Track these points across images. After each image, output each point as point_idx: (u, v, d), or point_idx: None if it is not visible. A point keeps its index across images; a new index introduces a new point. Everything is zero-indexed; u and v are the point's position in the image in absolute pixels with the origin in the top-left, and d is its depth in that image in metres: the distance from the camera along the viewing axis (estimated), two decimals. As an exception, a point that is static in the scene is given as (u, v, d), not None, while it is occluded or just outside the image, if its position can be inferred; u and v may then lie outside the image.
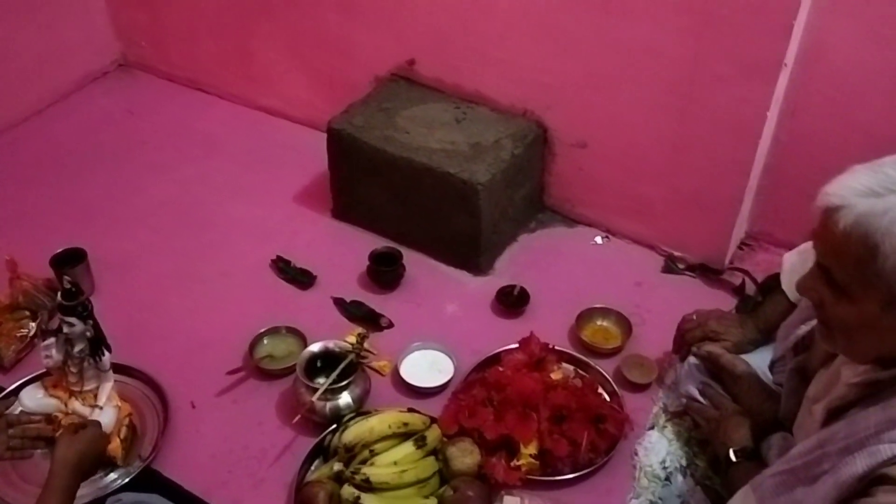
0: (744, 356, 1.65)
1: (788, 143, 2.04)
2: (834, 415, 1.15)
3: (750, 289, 2.07)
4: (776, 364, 1.53)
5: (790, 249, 2.20)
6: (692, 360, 1.71)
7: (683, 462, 1.68)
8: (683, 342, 1.76)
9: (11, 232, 2.26)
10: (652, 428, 1.77)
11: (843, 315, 1.06)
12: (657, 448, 1.72)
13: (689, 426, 1.73)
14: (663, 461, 1.69)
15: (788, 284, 1.62)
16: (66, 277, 1.59)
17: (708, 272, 2.16)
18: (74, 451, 1.50)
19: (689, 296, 2.07)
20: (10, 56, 2.63)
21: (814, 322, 1.35)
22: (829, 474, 1.07)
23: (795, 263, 1.63)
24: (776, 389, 1.56)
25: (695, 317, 1.77)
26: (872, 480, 1.02)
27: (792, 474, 1.16)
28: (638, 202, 2.20)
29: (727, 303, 2.04)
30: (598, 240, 2.30)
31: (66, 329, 1.58)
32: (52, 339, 1.62)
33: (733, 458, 1.46)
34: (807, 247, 1.63)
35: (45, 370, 1.69)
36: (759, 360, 1.63)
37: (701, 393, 1.68)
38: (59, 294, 1.57)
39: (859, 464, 1.03)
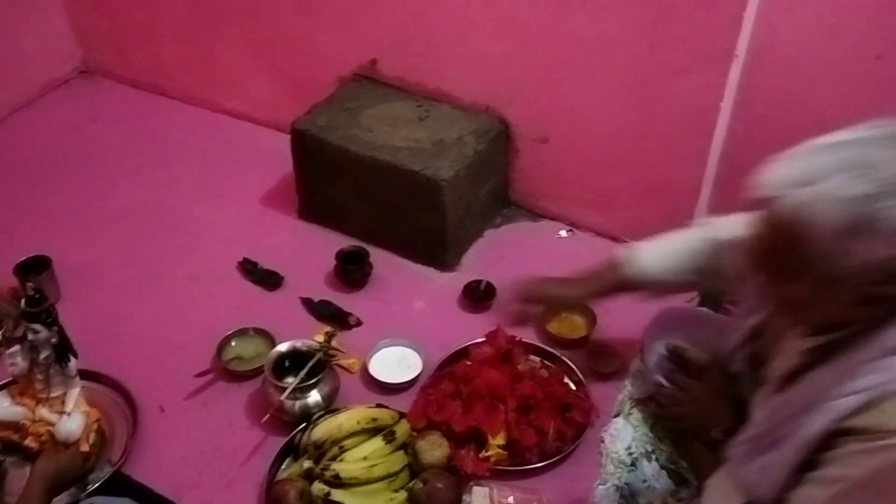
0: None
1: (744, 133, 2.07)
2: (786, 382, 1.21)
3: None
4: (730, 356, 1.57)
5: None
6: (661, 351, 1.74)
7: (648, 447, 1.72)
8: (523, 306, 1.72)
9: (-26, 242, 2.25)
10: (618, 415, 1.80)
11: (783, 294, 1.13)
12: (623, 434, 1.75)
13: (654, 412, 1.76)
14: (629, 447, 1.72)
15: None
16: (29, 284, 1.58)
17: (670, 261, 2.19)
18: (54, 467, 1.58)
19: (653, 285, 2.09)
20: (-31, 66, 2.62)
21: (762, 315, 1.40)
22: (788, 437, 1.13)
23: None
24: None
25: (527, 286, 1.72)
26: (834, 434, 1.06)
27: (757, 441, 1.22)
28: (600, 195, 2.23)
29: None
30: (563, 233, 2.32)
31: (30, 336, 1.57)
32: (17, 347, 1.61)
33: (718, 436, 1.47)
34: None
35: (11, 378, 1.69)
36: None
37: (668, 380, 1.70)
38: (22, 301, 1.56)
39: (817, 422, 1.08)
